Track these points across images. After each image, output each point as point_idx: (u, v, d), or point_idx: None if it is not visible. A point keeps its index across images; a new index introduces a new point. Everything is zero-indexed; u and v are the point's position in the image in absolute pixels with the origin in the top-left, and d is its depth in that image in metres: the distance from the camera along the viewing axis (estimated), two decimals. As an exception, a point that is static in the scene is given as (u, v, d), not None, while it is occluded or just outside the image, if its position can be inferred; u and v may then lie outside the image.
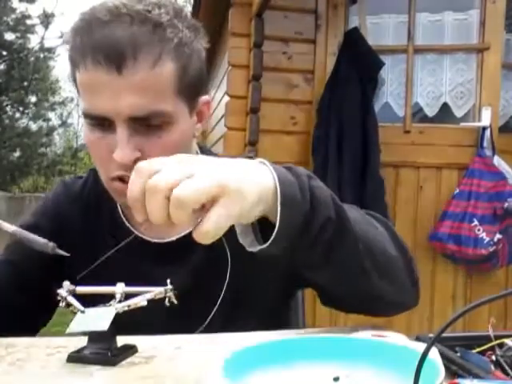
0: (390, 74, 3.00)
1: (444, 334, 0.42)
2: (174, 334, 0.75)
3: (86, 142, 0.82)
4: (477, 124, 2.89)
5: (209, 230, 0.53)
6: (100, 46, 0.74)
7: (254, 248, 0.61)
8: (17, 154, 14.18)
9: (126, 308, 0.66)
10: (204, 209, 0.54)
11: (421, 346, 0.49)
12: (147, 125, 0.77)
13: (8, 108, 14.38)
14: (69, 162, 16.71)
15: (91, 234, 0.93)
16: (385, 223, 0.78)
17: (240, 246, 0.64)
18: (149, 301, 0.68)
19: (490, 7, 2.91)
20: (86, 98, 0.78)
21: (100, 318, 0.65)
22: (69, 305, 0.68)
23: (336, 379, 0.52)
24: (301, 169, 0.65)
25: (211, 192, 0.53)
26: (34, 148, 14.14)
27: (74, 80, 0.80)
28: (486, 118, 2.86)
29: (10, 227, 0.69)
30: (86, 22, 0.76)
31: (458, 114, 2.98)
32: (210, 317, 0.87)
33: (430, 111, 3.00)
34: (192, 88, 0.82)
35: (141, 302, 0.67)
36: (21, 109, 14.82)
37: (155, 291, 0.68)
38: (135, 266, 0.89)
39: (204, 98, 0.87)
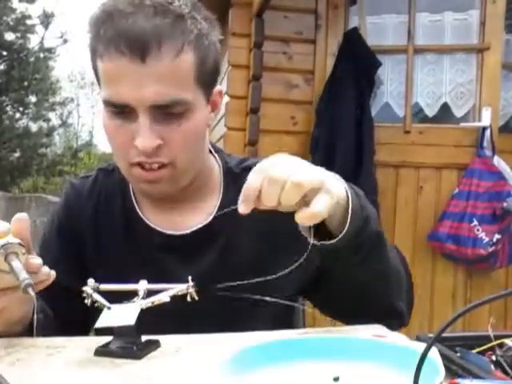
0: (390, 74, 2.99)
1: (444, 334, 0.42)
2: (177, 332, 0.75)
3: (106, 129, 0.84)
4: (477, 124, 2.88)
5: (320, 210, 0.66)
6: (124, 36, 0.75)
7: (315, 241, 0.72)
8: (17, 154, 14.16)
9: (150, 304, 0.68)
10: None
11: (421, 346, 0.49)
12: (167, 113, 0.80)
13: (8, 108, 14.38)
14: (69, 162, 16.69)
15: (103, 231, 0.94)
16: (395, 248, 0.92)
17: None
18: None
19: (490, 7, 2.91)
20: (108, 87, 0.79)
21: (126, 314, 0.67)
22: (94, 302, 0.69)
23: (336, 379, 0.52)
24: (358, 188, 0.80)
25: (316, 184, 0.66)
26: (34, 148, 14.12)
27: (95, 70, 0.82)
28: (485, 118, 2.85)
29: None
30: (109, 13, 0.77)
31: (458, 114, 2.98)
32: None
33: (430, 111, 3.00)
34: (209, 78, 0.85)
35: (164, 298, 0.69)
36: (21, 109, 14.80)
37: (178, 288, 0.69)
38: (148, 258, 0.90)
39: (217, 88, 0.90)
